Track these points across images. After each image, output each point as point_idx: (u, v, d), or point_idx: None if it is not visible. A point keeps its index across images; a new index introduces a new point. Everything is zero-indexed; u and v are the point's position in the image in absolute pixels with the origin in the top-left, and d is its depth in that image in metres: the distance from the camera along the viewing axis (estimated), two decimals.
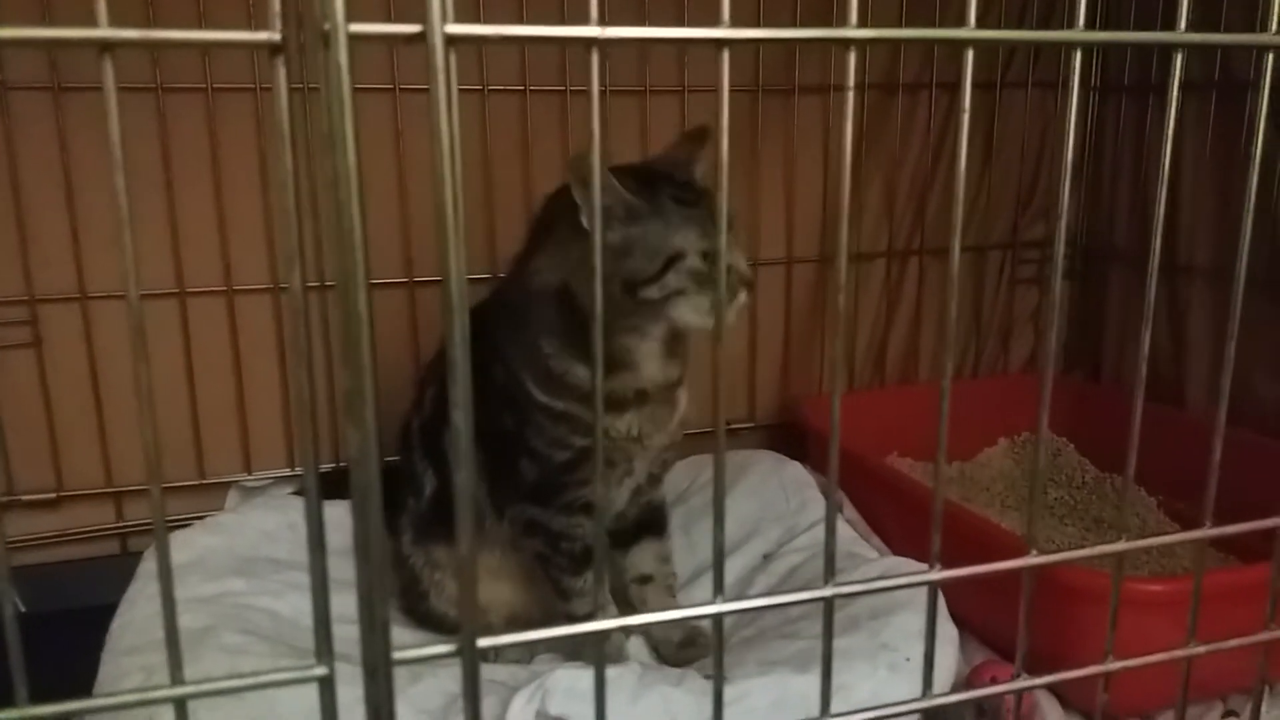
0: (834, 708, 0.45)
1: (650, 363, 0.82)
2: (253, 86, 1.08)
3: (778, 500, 1.08)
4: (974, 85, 1.30)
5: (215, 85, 1.07)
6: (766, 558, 1.01)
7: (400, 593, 0.94)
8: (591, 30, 0.34)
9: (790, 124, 1.26)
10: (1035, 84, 1.35)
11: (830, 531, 0.41)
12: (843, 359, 1.34)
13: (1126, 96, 1.34)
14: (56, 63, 1.02)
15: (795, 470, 1.13)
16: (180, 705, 0.36)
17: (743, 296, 0.77)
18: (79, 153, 1.04)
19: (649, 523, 0.94)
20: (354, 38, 0.32)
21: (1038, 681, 0.44)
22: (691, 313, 0.76)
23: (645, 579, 0.94)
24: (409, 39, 0.33)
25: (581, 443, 0.81)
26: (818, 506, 1.08)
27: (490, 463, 0.85)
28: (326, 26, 0.32)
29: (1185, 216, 1.24)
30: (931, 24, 1.26)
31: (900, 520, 1.04)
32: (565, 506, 0.84)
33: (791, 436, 1.27)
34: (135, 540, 1.14)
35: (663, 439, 0.86)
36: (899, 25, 1.25)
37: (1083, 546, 1.13)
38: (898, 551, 1.00)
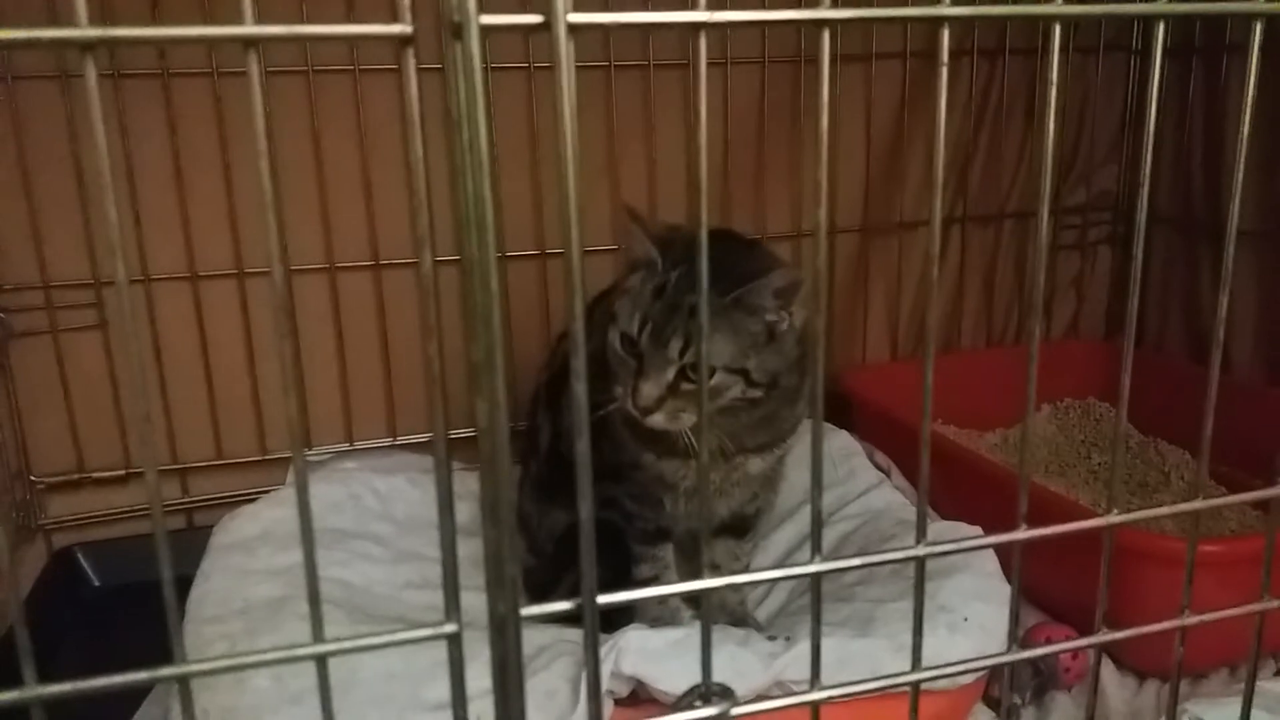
0: (897, 666, 0.47)
1: None
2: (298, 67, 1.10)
3: (827, 469, 1.10)
4: (1011, 52, 1.28)
5: (270, 70, 1.09)
6: None
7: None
8: (700, 15, 0.36)
9: (832, 93, 1.26)
10: (1076, 49, 1.35)
11: (922, 495, 0.43)
12: (889, 328, 1.37)
13: (1169, 59, 1.33)
14: (114, 51, 1.04)
15: (844, 439, 1.15)
16: (321, 661, 0.39)
17: None
18: (137, 138, 1.07)
19: (732, 527, 0.95)
20: (484, 29, 0.33)
21: (1114, 636, 0.46)
22: None
23: (713, 568, 0.96)
24: (534, 29, 0.34)
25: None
26: (866, 474, 1.10)
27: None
28: (457, 18, 0.33)
29: (1229, 179, 1.24)
30: None
31: (948, 485, 1.05)
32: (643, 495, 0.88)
33: (836, 406, 1.28)
34: (200, 515, 1.18)
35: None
36: None
37: (1130, 511, 1.15)
38: (945, 516, 1.02)
